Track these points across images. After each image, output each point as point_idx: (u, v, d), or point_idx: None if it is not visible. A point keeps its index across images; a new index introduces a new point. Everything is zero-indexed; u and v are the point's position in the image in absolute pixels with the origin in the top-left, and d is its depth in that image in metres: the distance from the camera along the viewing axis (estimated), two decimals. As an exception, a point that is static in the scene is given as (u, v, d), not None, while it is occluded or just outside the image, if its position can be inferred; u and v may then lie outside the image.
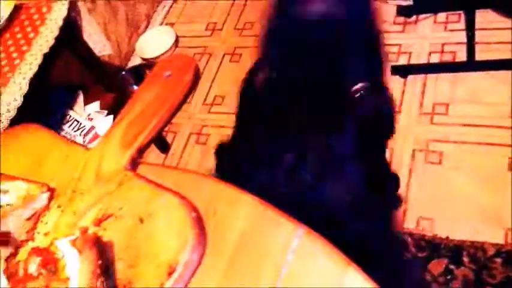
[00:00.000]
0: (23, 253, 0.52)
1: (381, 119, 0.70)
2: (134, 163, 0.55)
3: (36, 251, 0.48)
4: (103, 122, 1.49)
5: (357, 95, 0.64)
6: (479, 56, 1.49)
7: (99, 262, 0.45)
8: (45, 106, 1.57)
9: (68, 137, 1.51)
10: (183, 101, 0.59)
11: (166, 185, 0.52)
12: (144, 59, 2.04)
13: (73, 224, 0.52)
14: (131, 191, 0.52)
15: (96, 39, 1.50)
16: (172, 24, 2.16)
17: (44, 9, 1.38)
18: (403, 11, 1.72)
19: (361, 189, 0.66)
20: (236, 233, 0.48)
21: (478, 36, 1.51)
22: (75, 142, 0.61)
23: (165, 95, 0.59)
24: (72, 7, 1.40)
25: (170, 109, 0.58)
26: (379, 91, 0.70)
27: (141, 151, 0.57)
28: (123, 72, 1.87)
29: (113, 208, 0.51)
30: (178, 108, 0.59)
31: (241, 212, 0.49)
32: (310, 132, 0.66)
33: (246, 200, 0.50)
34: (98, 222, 0.51)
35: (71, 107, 1.57)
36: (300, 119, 0.65)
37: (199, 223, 0.48)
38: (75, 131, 1.51)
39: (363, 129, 0.65)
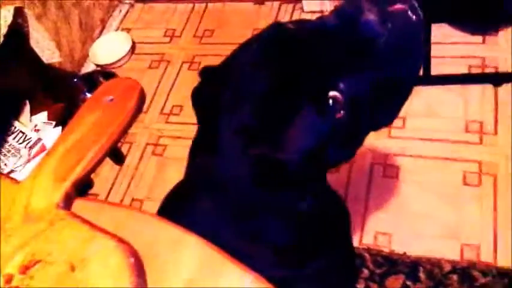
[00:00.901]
0: None
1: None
2: (69, 199, 0.50)
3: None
4: (51, 133, 1.41)
5: None
6: (435, 70, 1.51)
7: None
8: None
9: (13, 150, 1.42)
10: (126, 128, 0.54)
11: (104, 224, 0.47)
12: (98, 66, 1.96)
13: (-4, 270, 0.46)
14: (63, 232, 0.47)
15: (44, 46, 1.41)
16: (128, 30, 2.08)
17: (-13, 15, 1.29)
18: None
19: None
20: (181, 279, 0.44)
21: (434, 50, 1.53)
22: (2, 174, 0.55)
23: (106, 122, 0.55)
24: (18, 13, 1.32)
25: (111, 138, 0.53)
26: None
27: (77, 186, 0.51)
28: (75, 80, 1.78)
29: (42, 252, 0.46)
30: (120, 136, 0.54)
31: (185, 256, 0.45)
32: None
33: (190, 242, 0.46)
34: (24, 269, 0.45)
35: (16, 117, 1.48)
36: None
37: (139, 269, 0.44)
38: (20, 143, 1.42)
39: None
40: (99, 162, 0.53)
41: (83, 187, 0.48)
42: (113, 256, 0.44)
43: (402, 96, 0.60)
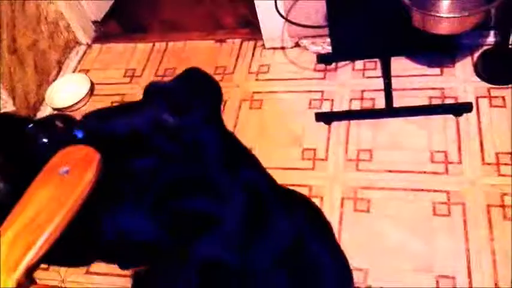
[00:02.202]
0: None
1: None
2: (23, 288, 0.45)
3: None
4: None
5: None
6: (397, 102, 1.53)
7: None
8: None
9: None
10: (84, 203, 0.50)
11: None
12: (55, 109, 1.89)
13: None
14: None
15: (-4, 96, 1.34)
16: (87, 71, 2.03)
17: None
18: (322, 59, 1.75)
19: None
20: None
21: (395, 82, 1.56)
22: None
23: (61, 197, 0.50)
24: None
25: (67, 216, 0.49)
26: None
27: (31, 272, 0.46)
28: (30, 125, 1.70)
29: None
30: (77, 212, 0.49)
31: None
32: None
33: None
34: None
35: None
36: None
37: None
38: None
39: None
40: (54, 242, 0.48)
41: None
42: None
43: None
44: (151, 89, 0.73)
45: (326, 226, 0.79)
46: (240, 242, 0.62)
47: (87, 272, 1.38)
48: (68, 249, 0.51)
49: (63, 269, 1.38)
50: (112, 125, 0.64)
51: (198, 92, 0.71)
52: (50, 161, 0.54)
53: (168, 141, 0.62)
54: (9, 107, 1.38)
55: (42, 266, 1.25)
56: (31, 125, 1.74)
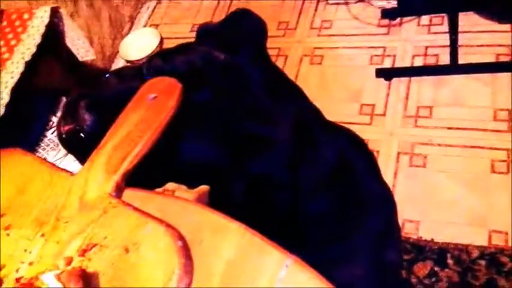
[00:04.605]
0: (8, 282, 0.51)
1: None
2: (119, 189, 0.55)
3: (21, 285, 0.48)
4: (87, 128, 1.47)
5: None
6: (463, 59, 1.50)
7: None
8: (27, 112, 1.55)
9: (52, 144, 1.49)
10: (168, 124, 0.59)
11: (152, 212, 0.52)
12: (128, 61, 2.02)
13: (57, 253, 0.51)
14: (116, 219, 0.52)
15: (80, 45, 1.47)
16: (156, 26, 2.13)
17: (26, 16, 1.36)
18: (387, 14, 1.72)
19: None
20: (223, 262, 0.48)
21: (461, 39, 1.52)
22: (59, 168, 0.60)
23: (150, 118, 0.59)
24: (54, 13, 1.38)
25: (155, 133, 0.58)
26: None
27: (126, 177, 0.56)
28: (107, 75, 1.84)
29: (98, 237, 0.51)
30: (163, 131, 0.58)
31: (227, 240, 0.49)
32: None
33: (232, 228, 0.50)
34: (83, 252, 0.50)
35: (54, 112, 1.55)
36: None
37: (186, 252, 0.48)
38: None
39: None
40: (145, 155, 0.58)
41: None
42: (162, 240, 0.49)
43: None
44: (203, 31, 0.80)
45: (371, 156, 0.84)
46: (289, 161, 0.69)
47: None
48: (148, 172, 0.60)
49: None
50: (173, 64, 0.73)
51: (244, 32, 0.77)
52: (139, 89, 0.63)
53: (221, 76, 0.70)
54: (90, 55, 1.51)
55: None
56: (107, 75, 1.90)
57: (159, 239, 0.49)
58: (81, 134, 0.68)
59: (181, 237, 0.49)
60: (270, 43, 0.81)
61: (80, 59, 1.51)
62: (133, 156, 0.56)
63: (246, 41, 0.75)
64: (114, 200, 0.54)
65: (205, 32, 0.78)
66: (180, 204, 0.53)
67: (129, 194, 0.55)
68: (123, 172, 0.56)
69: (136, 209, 0.52)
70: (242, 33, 0.76)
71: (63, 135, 0.70)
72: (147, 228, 0.50)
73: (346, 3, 1.85)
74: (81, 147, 0.70)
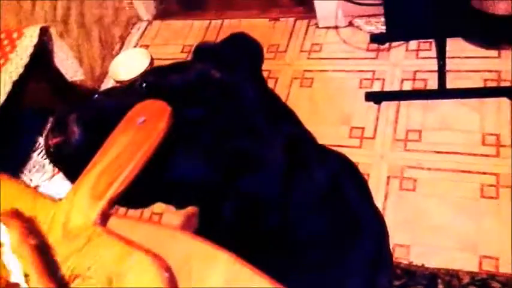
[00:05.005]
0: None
1: None
2: (105, 216, 0.53)
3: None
4: (74, 149, 1.45)
5: None
6: (451, 83, 1.52)
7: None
8: (14, 132, 1.52)
9: (37, 165, 1.46)
10: (157, 147, 0.58)
11: (139, 240, 0.50)
12: (117, 82, 2.01)
13: (38, 284, 0.49)
14: (101, 248, 0.50)
15: (68, 65, 1.46)
16: (147, 46, 2.14)
17: (15, 35, 1.35)
18: (376, 39, 1.75)
19: None
20: (210, 293, 0.46)
21: (449, 64, 1.55)
22: (41, 194, 0.58)
23: (139, 142, 0.58)
24: (44, 32, 1.37)
25: (143, 157, 0.56)
26: None
27: (113, 203, 0.54)
28: (96, 96, 1.83)
29: (81, 268, 0.49)
30: (152, 155, 0.57)
31: (216, 270, 0.47)
32: None
33: (221, 258, 0.48)
34: (65, 284, 0.48)
35: (41, 133, 1.53)
36: None
37: (172, 284, 0.46)
38: (44, 159, 1.46)
39: None
40: (133, 179, 0.56)
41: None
42: (148, 271, 0.47)
43: None
44: (200, 49, 0.79)
45: (362, 179, 0.84)
46: (281, 181, 0.68)
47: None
48: (135, 192, 0.58)
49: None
50: (168, 80, 0.72)
51: (241, 53, 0.77)
52: (128, 112, 0.62)
53: (216, 93, 0.69)
54: (79, 75, 1.49)
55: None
56: (96, 95, 1.89)
57: (145, 270, 0.47)
58: (69, 147, 0.66)
59: (168, 268, 0.47)
60: (260, 66, 0.82)
61: (69, 79, 1.50)
62: (120, 181, 0.54)
63: (243, 61, 0.75)
64: (99, 228, 0.52)
65: (202, 50, 0.78)
66: (168, 233, 0.52)
67: (115, 222, 0.53)
68: (109, 198, 0.54)
69: (121, 237, 0.50)
70: (240, 54, 0.76)
71: (51, 149, 0.68)
72: (132, 259, 0.48)
73: (336, 28, 1.87)
74: (69, 161, 0.68)
